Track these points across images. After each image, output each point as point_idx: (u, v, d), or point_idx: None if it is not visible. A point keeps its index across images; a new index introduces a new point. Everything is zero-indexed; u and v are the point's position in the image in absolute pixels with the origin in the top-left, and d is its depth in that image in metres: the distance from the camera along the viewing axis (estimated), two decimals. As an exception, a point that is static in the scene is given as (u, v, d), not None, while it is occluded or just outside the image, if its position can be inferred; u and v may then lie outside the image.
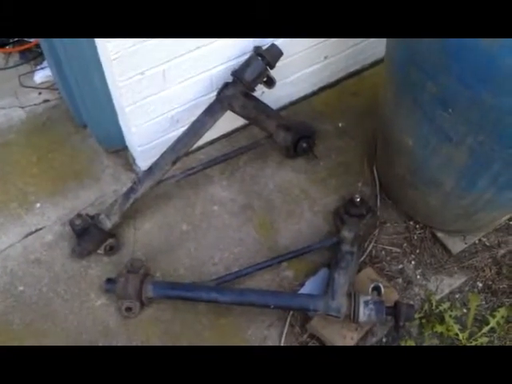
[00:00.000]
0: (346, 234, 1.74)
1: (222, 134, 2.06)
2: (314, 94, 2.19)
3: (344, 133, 2.11)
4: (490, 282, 1.84)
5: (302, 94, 2.15)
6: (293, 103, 2.16)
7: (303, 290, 1.75)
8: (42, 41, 1.75)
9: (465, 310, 1.79)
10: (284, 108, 2.14)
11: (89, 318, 1.70)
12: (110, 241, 1.78)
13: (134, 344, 1.66)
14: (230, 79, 1.74)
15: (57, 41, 1.63)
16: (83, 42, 1.54)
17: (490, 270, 1.86)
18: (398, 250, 1.89)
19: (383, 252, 1.88)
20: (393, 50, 1.49)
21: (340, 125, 2.13)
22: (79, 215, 1.76)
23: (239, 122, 1.99)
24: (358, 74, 2.27)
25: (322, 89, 2.19)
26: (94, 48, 1.55)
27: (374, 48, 2.17)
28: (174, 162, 1.75)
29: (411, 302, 1.76)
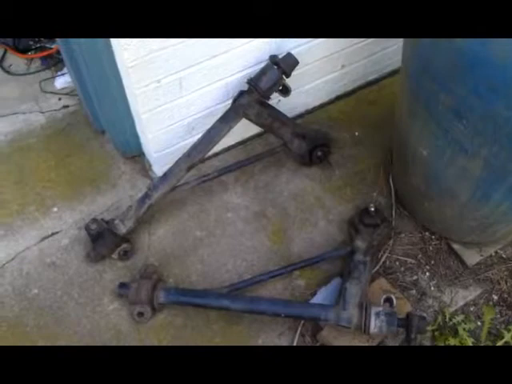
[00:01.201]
0: (360, 243, 1.74)
1: (237, 141, 2.07)
2: (330, 102, 2.18)
3: (360, 142, 2.10)
4: (506, 295, 1.81)
5: (318, 102, 2.15)
6: (309, 111, 2.16)
7: (315, 300, 1.74)
8: (61, 47, 1.78)
9: (479, 323, 1.76)
10: (300, 116, 2.14)
11: (101, 322, 1.72)
12: (125, 246, 1.80)
13: (145, 349, 1.67)
14: (246, 87, 1.75)
15: (76, 47, 1.65)
16: (101, 48, 1.56)
17: (506, 283, 1.83)
18: (413, 261, 1.87)
19: (397, 263, 1.86)
20: (408, 61, 1.48)
21: (356, 134, 2.12)
22: (94, 220, 1.79)
23: (255, 129, 2.00)
24: (375, 83, 2.26)
25: (338, 97, 2.19)
26: (112, 55, 1.57)
27: (391, 58, 2.16)
28: (189, 169, 1.76)
29: (424, 314, 1.74)
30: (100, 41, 1.54)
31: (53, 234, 1.88)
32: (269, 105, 1.78)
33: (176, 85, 1.64)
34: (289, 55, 1.69)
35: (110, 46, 1.53)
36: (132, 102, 1.70)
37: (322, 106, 2.18)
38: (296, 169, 2.03)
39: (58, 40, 1.79)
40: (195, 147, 1.75)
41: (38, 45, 2.26)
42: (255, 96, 1.70)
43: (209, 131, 1.75)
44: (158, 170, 1.94)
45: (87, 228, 1.78)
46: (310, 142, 1.90)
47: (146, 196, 1.77)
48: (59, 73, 2.22)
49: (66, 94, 2.19)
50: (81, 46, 1.60)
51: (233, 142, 2.06)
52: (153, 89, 1.59)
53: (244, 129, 1.93)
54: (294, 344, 1.68)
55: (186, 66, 1.60)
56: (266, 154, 1.97)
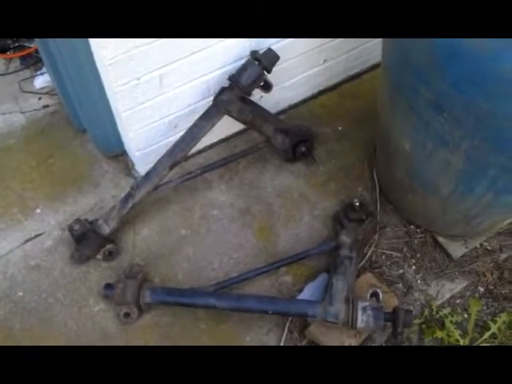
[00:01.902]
0: (345, 238, 1.73)
1: (220, 138, 2.05)
2: (313, 97, 2.18)
3: (344, 136, 2.10)
4: (492, 287, 1.82)
5: (301, 97, 2.14)
6: (292, 107, 2.15)
7: (302, 296, 1.74)
8: (39, 46, 1.76)
9: (466, 316, 1.77)
10: (283, 112, 2.14)
11: (88, 324, 1.70)
12: (109, 246, 1.78)
13: (132, 349, 1.66)
14: (227, 84, 1.73)
15: (53, 46, 1.63)
16: (79, 47, 1.54)
17: (492, 275, 1.84)
18: (399, 255, 1.87)
19: (383, 257, 1.87)
20: (388, 54, 1.48)
21: (340, 128, 2.12)
22: (78, 220, 1.77)
23: (238, 126, 1.98)
24: (357, 78, 2.25)
25: (321, 92, 2.18)
26: (90, 54, 1.55)
27: (372, 51, 2.15)
28: (172, 167, 1.75)
29: (411, 308, 1.75)
30: (78, 39, 1.51)
31: (36, 236, 1.86)
32: (251, 101, 1.77)
33: (156, 82, 1.62)
34: (269, 50, 1.68)
35: (88, 45, 1.51)
36: (112, 100, 1.68)
37: (304, 101, 2.17)
38: (280, 165, 2.03)
39: (36, 39, 1.76)
40: (177, 145, 1.74)
41: (17, 44, 2.23)
42: (236, 92, 1.69)
43: (191, 129, 1.74)
44: (141, 168, 1.93)
45: (70, 229, 1.76)
46: (293, 138, 1.89)
47: (129, 195, 1.75)
48: (38, 72, 2.19)
49: (46, 93, 2.16)
50: (58, 45, 1.57)
51: (216, 140, 2.04)
52: (132, 86, 1.57)
53: (227, 126, 1.92)
54: (282, 340, 1.67)
55: (166, 62, 1.58)
56: (250, 151, 1.96)
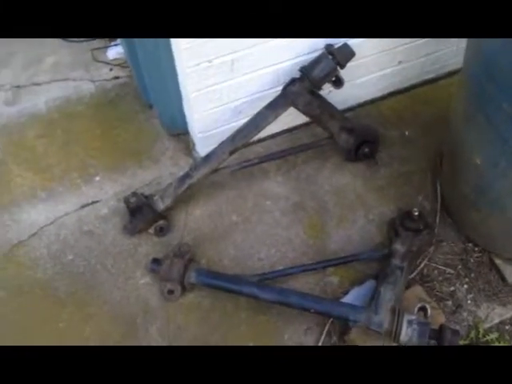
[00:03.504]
0: (398, 247, 1.68)
1: (283, 128, 2.03)
2: (382, 98, 2.12)
3: (409, 142, 2.03)
4: (546, 319, 1.73)
5: (370, 96, 2.09)
6: (360, 105, 2.10)
7: (346, 299, 1.70)
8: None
9: (514, 344, 1.69)
10: (350, 109, 2.09)
11: (132, 295, 1.74)
12: (161, 222, 1.81)
13: (171, 326, 1.67)
14: (297, 75, 1.71)
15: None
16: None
17: (548, 306, 1.75)
18: (452, 272, 1.80)
19: (436, 271, 1.80)
20: (470, 62, 1.41)
21: (406, 133, 2.05)
22: (134, 193, 1.80)
23: (301, 119, 1.96)
24: (431, 83, 2.17)
25: (391, 94, 2.12)
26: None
27: (450, 58, 2.08)
28: (232, 152, 1.74)
29: (458, 328, 1.68)
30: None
31: (93, 202, 1.91)
32: (319, 95, 1.73)
33: (227, 66, 1.61)
34: (345, 46, 1.64)
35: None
36: (182, 79, 1.69)
37: (373, 101, 2.11)
38: (340, 163, 1.99)
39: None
40: (240, 131, 1.73)
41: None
42: (307, 85, 1.66)
43: (255, 117, 1.72)
44: (201, 150, 1.93)
45: (126, 201, 1.79)
46: (357, 138, 1.85)
47: (187, 175, 1.76)
48: (112, 43, 2.22)
49: (118, 64, 2.20)
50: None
51: (277, 130, 2.02)
52: (204, 68, 1.57)
53: (291, 118, 1.90)
54: (320, 342, 1.65)
55: (240, 47, 1.58)
56: (312, 146, 1.93)
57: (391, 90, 2.11)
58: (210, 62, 1.56)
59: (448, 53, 2.04)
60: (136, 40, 1.69)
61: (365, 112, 2.09)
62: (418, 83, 2.14)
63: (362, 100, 2.08)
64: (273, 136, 2.03)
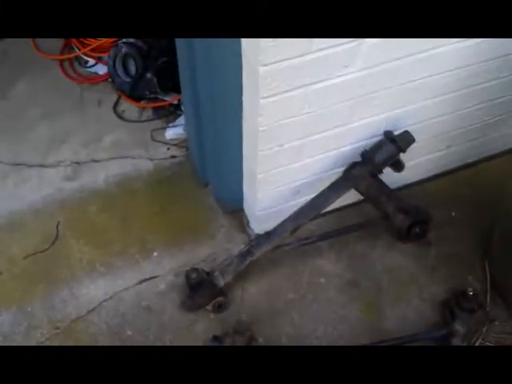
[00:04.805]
0: (459, 327, 1.71)
1: (334, 208, 2.09)
2: (428, 180, 2.20)
3: (457, 223, 2.09)
4: None
5: (417, 178, 2.17)
6: (406, 186, 2.17)
7: (408, 380, 1.70)
8: (188, 97, 1.87)
9: None
10: (397, 190, 2.16)
11: (190, 373, 1.73)
12: (220, 299, 1.83)
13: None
14: (357, 159, 1.80)
15: (203, 99, 1.75)
16: (232, 113, 1.67)
17: None
18: (507, 352, 1.81)
19: (491, 352, 1.81)
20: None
21: (453, 214, 2.12)
22: (195, 269, 1.83)
23: (351, 198, 2.03)
24: (473, 166, 2.26)
25: (437, 176, 2.21)
26: (239, 116, 1.67)
27: (493, 142, 2.18)
28: (293, 231, 1.80)
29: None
30: (233, 104, 1.63)
31: (151, 277, 1.94)
32: (379, 178, 1.81)
33: (295, 150, 1.70)
34: (406, 132, 1.74)
35: (240, 110, 1.63)
36: (249, 161, 1.78)
37: (419, 183, 2.19)
38: (391, 243, 2.04)
39: (187, 92, 1.89)
40: (302, 211, 1.79)
41: (152, 95, 2.40)
42: (369, 168, 1.75)
43: (317, 197, 1.80)
44: (256, 227, 1.99)
45: (187, 276, 1.82)
46: (411, 218, 1.91)
47: (249, 252, 1.81)
48: (170, 124, 2.34)
49: (175, 144, 2.29)
50: (213, 104, 1.69)
51: (330, 209, 2.09)
52: (275, 152, 1.66)
53: (342, 197, 1.96)
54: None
55: (309, 134, 1.67)
56: (365, 225, 1.99)
57: (436, 172, 2.19)
58: (281, 146, 1.65)
59: (490, 139, 2.14)
60: (205, 121, 1.80)
61: (412, 193, 2.16)
62: (461, 166, 2.23)
63: (408, 181, 2.16)
64: (324, 214, 2.09)
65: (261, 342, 1.80)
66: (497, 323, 1.88)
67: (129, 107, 2.46)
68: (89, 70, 2.63)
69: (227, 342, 1.71)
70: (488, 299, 1.92)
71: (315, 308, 1.89)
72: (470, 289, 1.78)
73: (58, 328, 1.82)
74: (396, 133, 1.77)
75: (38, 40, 2.66)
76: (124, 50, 2.37)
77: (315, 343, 1.81)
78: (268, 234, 1.82)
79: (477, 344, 1.82)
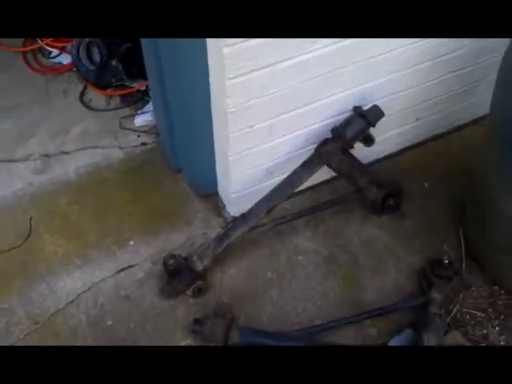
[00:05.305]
0: (436, 295, 1.74)
1: (307, 186, 2.11)
2: (399, 153, 2.23)
3: (429, 193, 2.13)
4: None
5: (387, 152, 2.19)
6: (378, 161, 2.20)
7: (388, 349, 1.74)
8: (154, 83, 1.86)
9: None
10: (369, 165, 2.18)
11: (173, 358, 1.74)
12: (200, 283, 1.83)
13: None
14: (328, 136, 1.80)
15: (170, 85, 1.73)
16: (199, 94, 1.65)
17: None
18: (483, 315, 1.86)
19: (467, 316, 1.86)
20: (500, 110, 1.49)
21: (426, 185, 2.15)
22: (173, 255, 1.83)
23: (324, 176, 2.04)
24: (442, 137, 2.29)
25: (407, 149, 2.23)
26: (208, 99, 1.65)
27: (461, 112, 2.21)
28: (269, 211, 1.80)
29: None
30: (201, 87, 1.62)
31: (129, 266, 1.93)
32: (350, 153, 1.82)
33: (266, 130, 1.70)
34: (375, 107, 1.75)
35: (208, 94, 1.62)
36: (221, 144, 1.77)
37: (390, 157, 2.22)
38: (366, 217, 2.06)
39: (153, 78, 1.87)
40: (276, 191, 1.80)
41: (118, 83, 2.36)
42: (339, 144, 1.76)
43: (290, 176, 1.80)
44: (232, 209, 1.99)
45: (165, 263, 1.81)
46: (385, 191, 1.93)
47: (225, 235, 1.81)
48: (139, 111, 2.31)
49: (144, 131, 2.27)
50: (178, 85, 1.68)
51: (303, 188, 2.10)
52: (245, 133, 1.66)
53: (315, 175, 1.98)
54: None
55: (278, 113, 1.67)
56: (339, 201, 2.00)
57: (406, 145, 2.22)
58: (251, 127, 1.64)
59: (459, 109, 2.17)
60: (175, 108, 1.78)
61: (383, 167, 2.19)
62: (430, 138, 2.27)
63: (380, 156, 2.18)
64: (298, 193, 2.10)
65: (242, 322, 1.82)
66: (473, 289, 1.92)
67: (96, 96, 2.42)
68: (53, 60, 2.58)
69: (208, 325, 1.72)
70: (464, 266, 1.96)
71: (294, 286, 1.91)
72: (446, 257, 1.81)
73: (37, 323, 1.80)
74: (365, 108, 1.78)
75: (-3, 32, 2.58)
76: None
77: (296, 320, 1.83)
78: (244, 216, 1.82)
79: (454, 310, 1.87)
